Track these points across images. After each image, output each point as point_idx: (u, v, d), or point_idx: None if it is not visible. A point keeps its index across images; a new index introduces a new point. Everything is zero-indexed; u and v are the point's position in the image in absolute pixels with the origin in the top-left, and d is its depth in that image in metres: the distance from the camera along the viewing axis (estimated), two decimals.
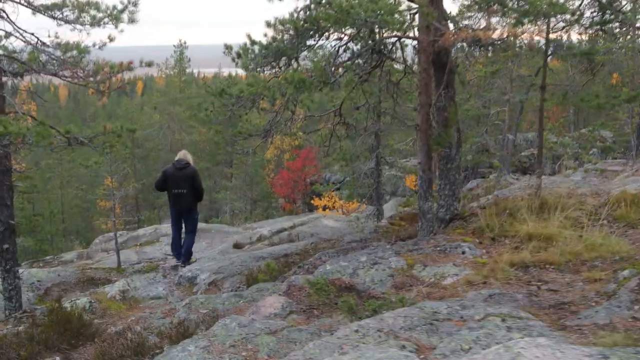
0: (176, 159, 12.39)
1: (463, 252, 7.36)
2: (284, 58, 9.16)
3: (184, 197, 12.19)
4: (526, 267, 6.80)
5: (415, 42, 9.79)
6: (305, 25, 8.31)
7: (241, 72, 10.67)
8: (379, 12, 6.97)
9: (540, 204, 8.83)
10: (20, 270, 12.37)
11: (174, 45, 48.49)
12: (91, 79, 7.83)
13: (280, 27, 8.35)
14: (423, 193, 9.37)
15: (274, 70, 9.47)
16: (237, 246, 15.70)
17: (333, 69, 8.34)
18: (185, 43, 48.29)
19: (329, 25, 7.66)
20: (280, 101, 9.44)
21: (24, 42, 7.64)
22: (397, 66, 11.32)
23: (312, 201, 31.52)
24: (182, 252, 12.81)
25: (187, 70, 50.40)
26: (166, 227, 20.95)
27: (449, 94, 9.20)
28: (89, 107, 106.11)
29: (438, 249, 7.59)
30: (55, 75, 7.82)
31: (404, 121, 14.22)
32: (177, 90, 45.67)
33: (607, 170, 15.72)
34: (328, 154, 14.72)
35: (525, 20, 7.18)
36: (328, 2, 7.58)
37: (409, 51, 10.83)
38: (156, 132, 43.47)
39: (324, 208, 28.42)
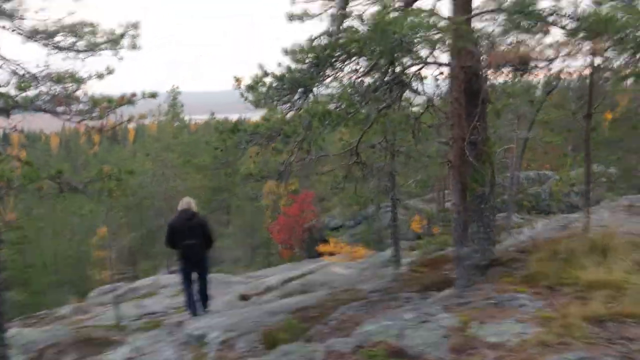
0: (180, 208, 11.58)
1: (521, 305, 6.35)
2: (299, 90, 8.26)
3: (195, 249, 11.39)
4: (601, 321, 5.80)
5: (436, 72, 8.94)
6: (327, 52, 7.41)
7: (235, 117, 9.81)
8: (418, 29, 6.11)
9: (590, 246, 7.87)
10: (11, 331, 11.24)
11: (167, 91, 47.76)
12: (86, 116, 6.86)
13: (299, 55, 7.46)
14: (458, 237, 8.41)
15: (286, 105, 8.55)
16: (244, 298, 14.61)
17: (359, 99, 7.42)
18: (178, 88, 47.54)
19: (357, 49, 6.75)
20: (294, 139, 8.48)
21: (10, 72, 6.68)
22: (414, 98, 10.40)
23: (316, 248, 30.38)
24: (200, 298, 11.98)
25: (180, 116, 49.58)
26: (166, 278, 19.83)
27: (482, 126, 8.28)
28: (80, 155, 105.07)
29: (491, 301, 6.57)
30: (45, 111, 6.86)
31: (419, 160, 13.29)
32: (170, 137, 44.69)
33: (635, 206, 14.79)
34: (337, 196, 13.78)
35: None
36: (356, 26, 6.72)
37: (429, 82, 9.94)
38: (149, 179, 42.35)
39: (331, 254, 27.30)
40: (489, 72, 7.81)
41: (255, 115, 8.94)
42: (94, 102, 6.83)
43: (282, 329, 9.18)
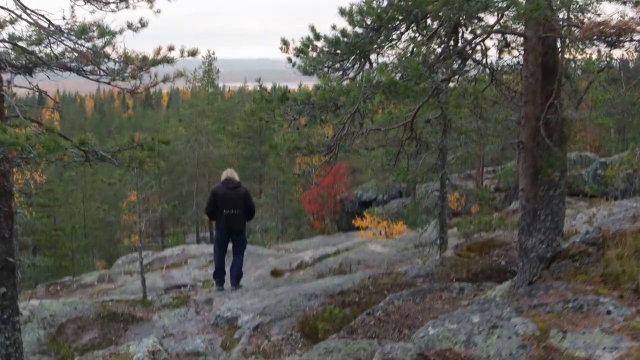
0: (224, 178, 11.51)
1: (608, 312, 5.49)
2: (352, 57, 7.41)
3: (236, 218, 11.37)
4: None
5: (503, 42, 8.02)
6: (389, 14, 6.52)
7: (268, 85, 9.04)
8: None
9: None
10: (32, 302, 10.68)
11: (203, 57, 46.98)
12: (117, 75, 6.09)
13: (358, 16, 6.59)
14: (526, 227, 7.52)
15: (339, 73, 7.70)
16: (276, 274, 13.92)
17: (426, 70, 6.51)
18: (214, 54, 46.79)
19: (434, 9, 5.83)
20: (347, 111, 7.63)
21: (31, 24, 5.89)
22: (477, 71, 9.45)
23: (353, 221, 29.58)
24: (233, 275, 11.74)
25: (215, 83, 48.80)
26: (194, 248, 19.24)
27: (559, 104, 7.35)
28: (115, 119, 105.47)
29: (569, 305, 5.71)
30: (71, 70, 6.10)
31: (471, 137, 12.37)
32: (204, 103, 44.01)
33: None
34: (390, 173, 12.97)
35: None
36: None
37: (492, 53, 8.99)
38: (183, 145, 41.83)
39: (365, 229, 26.45)
40: (574, 44, 6.86)
41: (292, 85, 8.14)
42: (127, 59, 6.05)
43: (321, 317, 8.47)
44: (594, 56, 7.94)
